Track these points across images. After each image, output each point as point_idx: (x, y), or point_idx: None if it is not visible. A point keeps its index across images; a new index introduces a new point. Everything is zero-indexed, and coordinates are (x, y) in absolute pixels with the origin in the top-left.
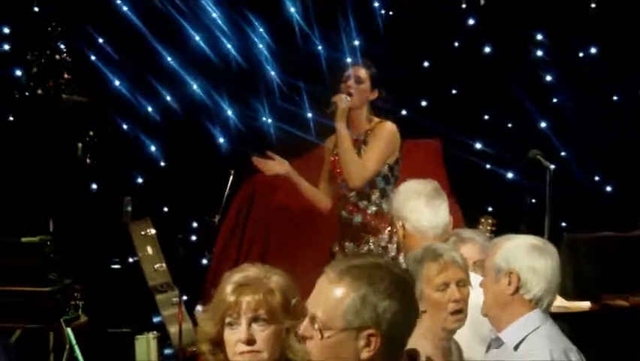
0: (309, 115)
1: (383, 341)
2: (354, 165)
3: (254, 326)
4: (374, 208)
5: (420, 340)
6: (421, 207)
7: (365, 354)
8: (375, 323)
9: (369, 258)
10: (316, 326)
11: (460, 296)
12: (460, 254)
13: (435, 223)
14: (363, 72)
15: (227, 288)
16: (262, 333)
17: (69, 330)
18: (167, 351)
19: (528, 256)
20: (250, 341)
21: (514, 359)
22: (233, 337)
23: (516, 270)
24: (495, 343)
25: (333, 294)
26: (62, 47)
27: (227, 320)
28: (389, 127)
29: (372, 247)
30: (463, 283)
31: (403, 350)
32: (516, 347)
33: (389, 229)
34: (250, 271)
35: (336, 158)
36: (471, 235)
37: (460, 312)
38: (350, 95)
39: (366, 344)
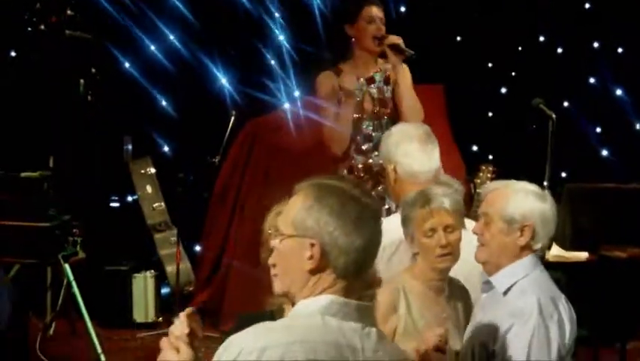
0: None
1: (326, 257)
2: (417, 103)
3: None
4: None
5: (412, 280)
6: (414, 151)
7: (308, 265)
8: (316, 235)
9: (339, 180)
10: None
11: (447, 242)
12: (452, 199)
13: (427, 168)
14: (381, 13)
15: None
16: None
17: (67, 266)
18: (164, 290)
19: (540, 206)
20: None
21: (501, 304)
22: None
23: (531, 222)
24: (485, 287)
25: (290, 203)
26: None
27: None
28: (407, 69)
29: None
30: (451, 229)
31: (370, 281)
32: (505, 293)
33: None
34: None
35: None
36: (448, 180)
37: (449, 254)
38: (383, 37)
39: (310, 255)
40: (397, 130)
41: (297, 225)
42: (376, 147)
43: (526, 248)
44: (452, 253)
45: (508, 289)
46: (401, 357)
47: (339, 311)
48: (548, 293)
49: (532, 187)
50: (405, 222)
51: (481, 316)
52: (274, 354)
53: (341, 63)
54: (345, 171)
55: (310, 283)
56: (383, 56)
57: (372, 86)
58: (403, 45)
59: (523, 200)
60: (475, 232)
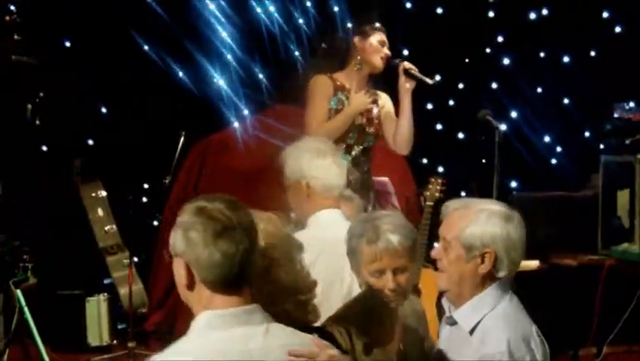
0: (261, 76)
1: (194, 273)
2: (412, 135)
3: None
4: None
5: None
6: (329, 165)
7: (184, 282)
8: (183, 254)
9: (205, 199)
10: None
11: (395, 285)
12: (402, 234)
13: (342, 182)
14: (385, 38)
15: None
16: None
17: (18, 292)
18: (118, 313)
19: (504, 231)
20: None
21: (467, 346)
22: None
23: (492, 249)
24: (449, 320)
25: None
26: (12, 8)
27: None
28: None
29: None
30: (402, 270)
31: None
32: (471, 331)
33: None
34: None
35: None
36: (350, 194)
37: (397, 295)
38: (384, 60)
39: (183, 273)
40: (307, 145)
41: (172, 246)
42: (355, 160)
43: (488, 277)
44: (402, 293)
45: (474, 327)
46: (296, 340)
47: (220, 323)
48: (518, 330)
49: (497, 207)
50: (350, 254)
51: (446, 354)
52: None
53: (335, 73)
54: None
55: (193, 298)
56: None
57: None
58: (416, 70)
59: (484, 224)
60: (433, 257)
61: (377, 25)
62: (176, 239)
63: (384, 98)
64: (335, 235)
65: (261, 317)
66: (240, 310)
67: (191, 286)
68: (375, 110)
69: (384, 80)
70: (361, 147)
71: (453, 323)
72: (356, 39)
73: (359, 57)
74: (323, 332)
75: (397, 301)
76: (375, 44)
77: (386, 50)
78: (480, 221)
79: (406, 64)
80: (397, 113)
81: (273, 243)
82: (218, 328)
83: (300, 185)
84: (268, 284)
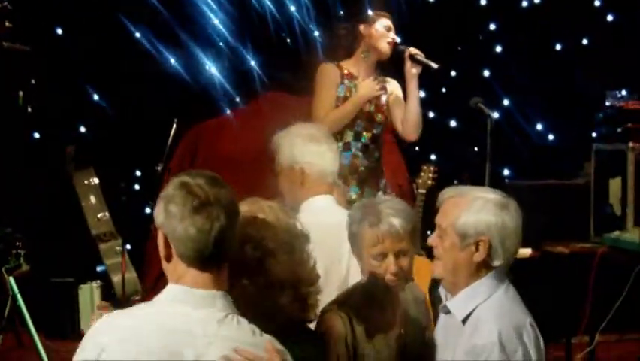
0: (253, 64)
1: (170, 246)
2: (420, 119)
3: None
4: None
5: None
6: (325, 151)
7: (162, 254)
8: (162, 226)
9: (189, 174)
10: None
11: (397, 269)
12: (403, 218)
13: (335, 168)
14: (391, 23)
15: None
16: None
17: (11, 279)
18: (111, 300)
19: (499, 219)
20: None
21: (460, 336)
22: None
23: (486, 237)
24: (442, 309)
25: None
26: None
27: None
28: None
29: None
30: (404, 253)
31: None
32: (464, 320)
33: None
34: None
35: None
36: (336, 180)
37: (400, 279)
38: (390, 45)
39: (162, 245)
40: (301, 131)
41: (155, 217)
42: (365, 148)
43: (483, 265)
44: (403, 277)
45: (467, 316)
46: (248, 338)
47: (179, 298)
48: (511, 322)
49: (493, 195)
50: (352, 238)
51: (442, 342)
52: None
53: (342, 61)
54: None
55: (168, 271)
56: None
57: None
58: (422, 56)
59: (478, 211)
60: (429, 245)
61: (382, 11)
62: (158, 211)
63: (393, 85)
64: (330, 220)
65: (224, 304)
66: (205, 292)
67: (168, 258)
68: (383, 98)
69: (394, 66)
70: (370, 134)
71: (447, 311)
72: (361, 26)
73: (365, 44)
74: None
75: (399, 286)
76: (381, 30)
77: (392, 35)
78: (474, 209)
79: (412, 49)
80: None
81: (269, 234)
82: (176, 302)
83: (294, 171)
84: (261, 276)
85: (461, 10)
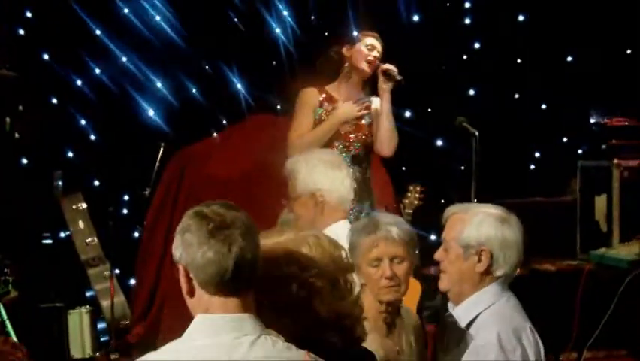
0: (239, 87)
1: (192, 277)
2: (394, 135)
3: None
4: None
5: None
6: (344, 177)
7: (184, 289)
8: (181, 259)
9: (203, 205)
10: None
11: (392, 273)
12: (402, 228)
13: (352, 195)
14: (380, 47)
15: None
16: None
17: (0, 305)
18: (100, 325)
19: (499, 231)
20: None
21: (463, 341)
22: None
23: (487, 247)
24: (450, 318)
25: None
26: None
27: None
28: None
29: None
30: (400, 260)
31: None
32: (468, 326)
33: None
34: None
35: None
36: None
37: (395, 286)
38: (370, 63)
39: (182, 280)
40: (321, 157)
41: (173, 253)
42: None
43: (487, 275)
44: (399, 285)
45: (471, 322)
46: (284, 354)
47: (209, 328)
48: (511, 325)
49: (494, 210)
50: (351, 250)
51: (445, 352)
52: None
53: (325, 85)
54: None
55: (193, 305)
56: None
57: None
58: (394, 71)
59: (479, 224)
60: (436, 259)
61: (367, 30)
62: (176, 245)
63: (386, 98)
64: None
65: (252, 325)
66: (232, 316)
67: (191, 292)
68: (366, 119)
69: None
70: (350, 156)
71: (453, 320)
72: (344, 48)
73: (347, 65)
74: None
75: (393, 295)
76: (363, 50)
77: (374, 54)
78: (476, 222)
79: (386, 65)
80: None
81: (318, 270)
82: (206, 333)
83: (315, 197)
84: (306, 315)
85: (445, 29)
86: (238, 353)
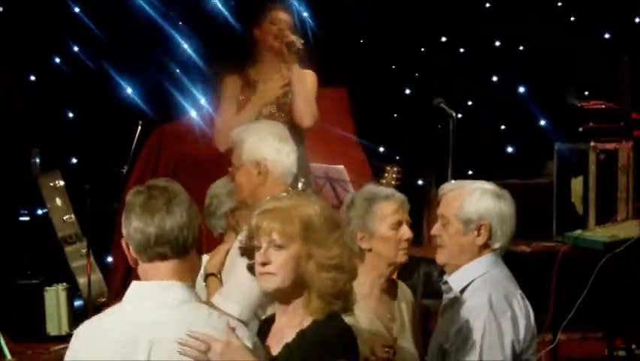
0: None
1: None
2: (308, 105)
3: (271, 249)
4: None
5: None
6: (290, 151)
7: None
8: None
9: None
10: None
11: (409, 236)
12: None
13: (295, 170)
14: (287, 17)
15: (255, 212)
16: (277, 257)
17: None
18: (77, 303)
19: (497, 206)
20: (264, 263)
21: (456, 304)
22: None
23: (487, 222)
24: (444, 287)
25: None
26: None
27: (255, 244)
28: (313, 75)
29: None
30: (409, 224)
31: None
32: (462, 292)
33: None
34: (282, 200)
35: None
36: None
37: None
38: (277, 37)
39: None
40: (269, 128)
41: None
42: None
43: (484, 248)
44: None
45: (464, 288)
46: (207, 322)
47: (136, 293)
48: (502, 290)
49: (489, 186)
50: (362, 217)
51: (440, 318)
52: None
53: (248, 68)
54: None
55: (139, 274)
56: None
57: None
58: (297, 43)
59: (478, 199)
60: (433, 234)
61: (271, 5)
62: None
63: (295, 73)
64: None
65: (181, 292)
66: (159, 283)
67: (134, 262)
68: (286, 96)
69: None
70: None
71: (448, 288)
72: (255, 30)
73: (261, 47)
74: None
75: (406, 257)
76: (269, 28)
77: (280, 26)
78: (474, 197)
79: (288, 39)
80: None
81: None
82: (134, 297)
83: (258, 166)
84: (339, 275)
85: (425, 11)
86: (160, 315)
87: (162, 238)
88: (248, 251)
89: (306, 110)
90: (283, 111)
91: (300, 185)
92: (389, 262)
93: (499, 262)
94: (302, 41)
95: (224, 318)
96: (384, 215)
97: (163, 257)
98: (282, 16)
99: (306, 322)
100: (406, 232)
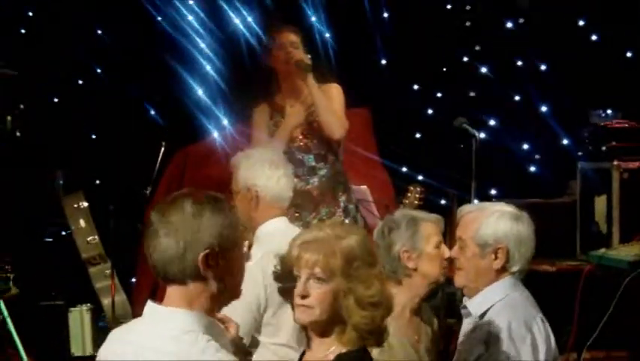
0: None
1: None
2: (334, 116)
3: (311, 281)
4: (325, 172)
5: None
6: (280, 177)
7: None
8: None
9: None
10: None
11: (450, 254)
12: None
13: (290, 194)
14: (293, 36)
15: (295, 242)
16: (317, 290)
17: (0, 302)
18: (101, 323)
19: (514, 228)
20: (304, 296)
21: (476, 330)
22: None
23: (504, 245)
24: (464, 311)
25: None
26: None
27: (294, 273)
28: (338, 87)
29: (324, 215)
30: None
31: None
32: (481, 317)
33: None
34: (324, 230)
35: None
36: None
37: None
38: (285, 60)
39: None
40: (261, 155)
41: None
42: (310, 171)
43: (502, 271)
44: None
45: (484, 313)
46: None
47: (146, 315)
48: (522, 315)
49: (508, 208)
50: (408, 237)
51: (460, 343)
52: None
53: (274, 95)
54: None
55: None
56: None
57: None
58: (305, 59)
59: (495, 223)
60: (452, 257)
61: (273, 29)
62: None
63: (311, 87)
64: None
65: (183, 321)
66: (165, 309)
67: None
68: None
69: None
70: (309, 157)
71: (467, 313)
72: (267, 59)
73: (277, 75)
74: None
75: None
76: (277, 54)
77: (285, 49)
78: (491, 221)
79: (296, 57)
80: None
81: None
82: (145, 319)
83: (250, 192)
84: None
85: (446, 31)
86: (157, 342)
87: (161, 267)
88: (281, 277)
89: (333, 122)
90: (314, 129)
91: (341, 202)
92: (432, 280)
93: (519, 285)
94: (309, 56)
95: (219, 355)
96: (430, 235)
97: (170, 282)
98: (286, 37)
99: (332, 355)
100: (446, 250)
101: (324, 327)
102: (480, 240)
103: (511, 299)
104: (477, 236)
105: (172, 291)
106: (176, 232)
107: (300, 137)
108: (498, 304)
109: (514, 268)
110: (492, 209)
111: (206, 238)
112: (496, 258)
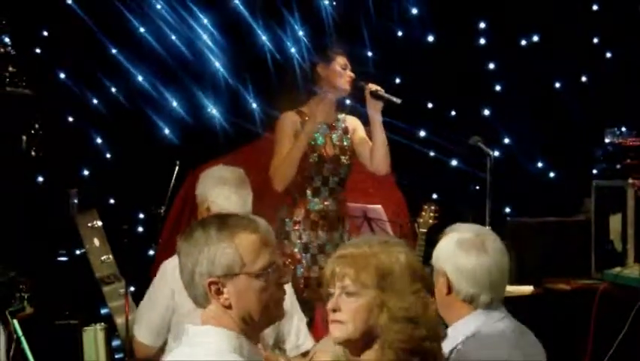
0: (255, 106)
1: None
2: (387, 153)
3: (343, 296)
4: (342, 197)
5: None
6: (230, 195)
7: None
8: None
9: None
10: None
11: None
12: None
13: (242, 211)
14: (347, 60)
15: (331, 257)
16: (348, 305)
17: (15, 322)
18: (115, 342)
19: (453, 255)
20: (335, 310)
21: None
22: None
23: (444, 271)
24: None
25: None
26: (7, 40)
27: (330, 289)
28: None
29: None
30: None
31: None
32: (450, 353)
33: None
34: (361, 247)
35: (345, 145)
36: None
37: None
38: (355, 80)
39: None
40: (213, 172)
41: None
42: (332, 191)
43: (452, 298)
44: None
45: (451, 351)
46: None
47: (192, 339)
48: (488, 356)
49: (465, 235)
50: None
51: None
52: None
53: (303, 106)
54: (302, 214)
55: None
56: (342, 106)
57: (335, 132)
58: (382, 91)
59: (441, 248)
60: None
61: (338, 49)
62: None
63: (354, 123)
64: None
65: (207, 336)
66: (196, 328)
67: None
68: (345, 139)
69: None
70: (337, 178)
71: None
72: (319, 67)
73: (324, 84)
74: None
75: None
76: (339, 69)
77: (349, 72)
78: (441, 244)
79: (372, 86)
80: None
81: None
82: (189, 341)
83: (203, 207)
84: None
85: (460, 50)
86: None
87: (189, 288)
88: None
89: (385, 157)
90: (345, 154)
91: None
92: None
93: (492, 317)
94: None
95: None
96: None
97: (198, 304)
98: (347, 62)
99: None
100: None
101: (359, 346)
102: (434, 265)
103: (482, 335)
104: (433, 260)
105: (202, 311)
106: (186, 257)
107: (334, 157)
108: (466, 341)
109: (461, 297)
110: (451, 234)
111: (209, 266)
112: (442, 284)
